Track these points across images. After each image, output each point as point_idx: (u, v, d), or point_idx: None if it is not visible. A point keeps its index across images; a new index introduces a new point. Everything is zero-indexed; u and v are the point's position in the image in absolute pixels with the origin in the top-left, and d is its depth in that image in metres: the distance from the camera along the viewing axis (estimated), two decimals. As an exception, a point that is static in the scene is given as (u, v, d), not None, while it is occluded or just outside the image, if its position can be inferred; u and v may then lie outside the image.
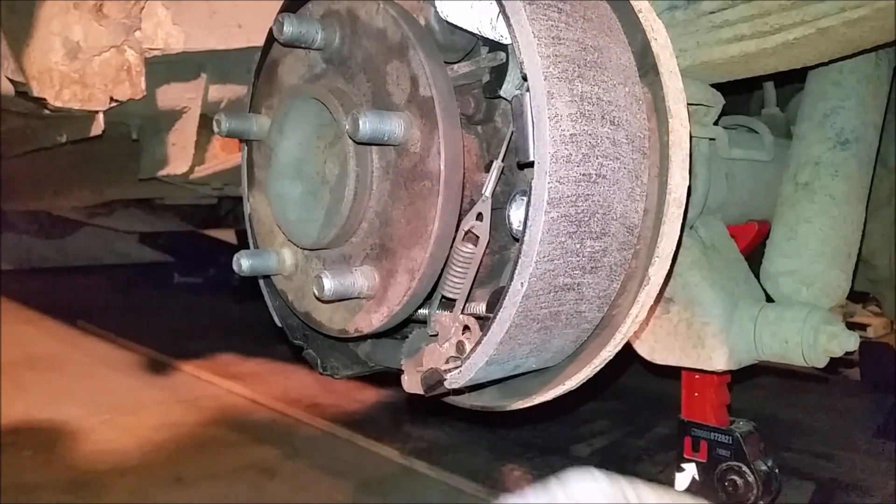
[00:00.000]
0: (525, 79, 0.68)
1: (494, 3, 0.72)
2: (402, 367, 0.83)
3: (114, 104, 1.53)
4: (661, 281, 0.78)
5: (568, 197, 0.67)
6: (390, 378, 0.87)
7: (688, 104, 0.79)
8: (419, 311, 0.82)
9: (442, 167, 0.73)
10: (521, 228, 0.70)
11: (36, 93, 1.43)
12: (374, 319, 0.81)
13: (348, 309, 0.84)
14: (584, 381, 0.84)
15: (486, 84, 0.79)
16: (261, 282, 1.01)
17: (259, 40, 0.96)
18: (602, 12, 0.77)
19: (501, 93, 0.78)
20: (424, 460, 2.34)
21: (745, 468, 1.43)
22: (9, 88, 1.43)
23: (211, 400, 2.81)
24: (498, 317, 0.69)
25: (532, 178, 0.66)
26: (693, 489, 1.49)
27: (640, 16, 0.79)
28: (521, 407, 0.86)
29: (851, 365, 3.02)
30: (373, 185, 0.80)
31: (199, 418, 2.53)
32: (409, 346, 0.85)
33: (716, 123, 1.42)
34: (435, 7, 0.80)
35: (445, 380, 0.75)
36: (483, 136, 0.84)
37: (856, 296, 2.23)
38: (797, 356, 1.25)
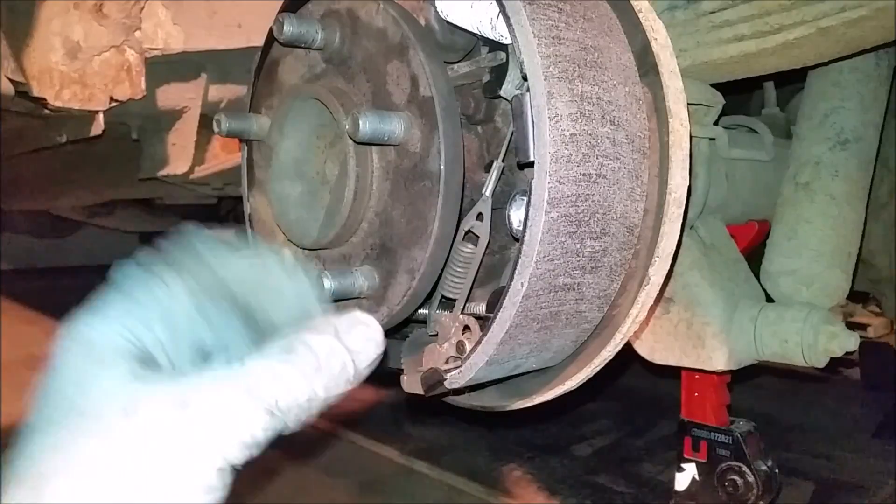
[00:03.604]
0: (525, 79, 0.68)
1: (494, 3, 0.72)
2: (402, 367, 0.83)
3: (114, 104, 1.53)
4: (661, 281, 0.78)
5: (568, 197, 0.67)
6: (390, 378, 0.87)
7: (688, 104, 0.79)
8: (419, 311, 0.82)
9: (442, 167, 0.73)
10: (521, 228, 0.69)
11: (36, 93, 1.43)
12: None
13: (348, 309, 0.84)
14: (585, 381, 0.84)
15: (486, 84, 0.79)
16: (261, 282, 1.01)
17: (259, 40, 0.96)
18: (602, 12, 0.77)
19: (501, 93, 0.78)
20: (424, 460, 2.35)
21: (745, 468, 1.42)
22: (9, 88, 1.43)
23: (211, 400, 2.81)
24: (498, 317, 0.69)
25: (532, 178, 0.66)
26: (693, 489, 1.49)
27: (640, 16, 0.79)
28: (522, 407, 0.86)
29: (851, 365, 3.03)
30: (373, 185, 0.80)
31: (199, 418, 2.53)
32: (409, 346, 0.85)
33: (716, 123, 1.42)
34: (435, 7, 0.80)
35: (445, 380, 0.75)
36: (483, 136, 0.84)
37: (856, 296, 2.24)
38: (797, 356, 1.25)
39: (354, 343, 0.54)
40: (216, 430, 0.47)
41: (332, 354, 0.52)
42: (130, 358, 0.51)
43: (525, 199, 0.68)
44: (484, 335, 0.71)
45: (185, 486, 0.47)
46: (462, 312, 0.78)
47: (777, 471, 1.47)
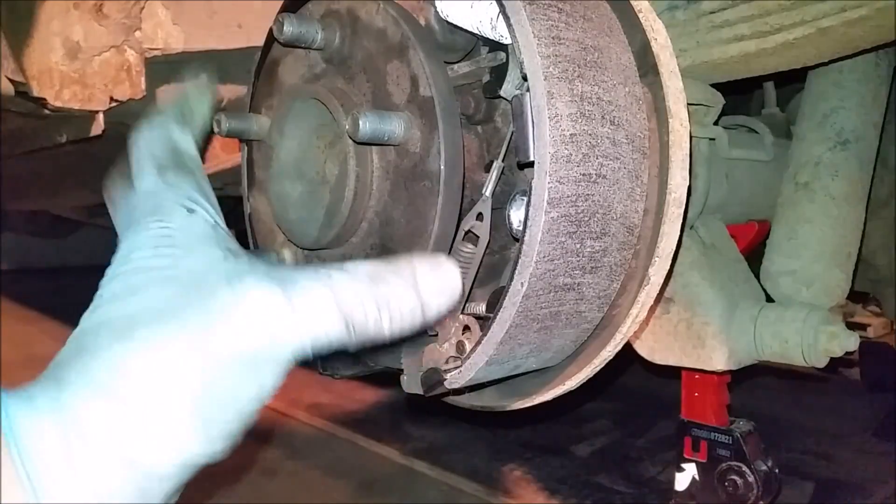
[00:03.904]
0: (525, 79, 0.68)
1: (494, 3, 0.72)
2: (402, 367, 0.83)
3: (114, 104, 1.53)
4: (661, 281, 0.78)
5: (568, 197, 0.67)
6: (390, 378, 0.87)
7: (688, 104, 0.79)
8: (419, 311, 0.82)
9: (442, 167, 0.73)
10: (521, 228, 0.70)
11: (36, 93, 1.43)
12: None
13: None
14: (585, 381, 0.84)
15: (486, 84, 0.79)
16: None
17: (259, 40, 0.96)
18: (602, 12, 0.77)
19: (501, 93, 0.78)
20: (424, 460, 2.35)
21: (745, 468, 1.43)
22: (9, 88, 1.43)
23: (211, 400, 2.81)
24: (498, 317, 0.69)
25: (532, 178, 0.66)
26: (693, 489, 1.49)
27: (640, 16, 0.79)
28: (521, 407, 0.86)
29: (851, 365, 3.03)
30: (373, 185, 0.80)
31: (199, 418, 2.53)
32: (409, 346, 0.85)
33: (716, 123, 1.42)
34: (435, 7, 0.80)
35: (445, 380, 0.75)
36: (483, 136, 0.84)
37: (856, 296, 2.24)
38: (797, 356, 1.26)
39: (429, 291, 0.58)
40: (308, 326, 0.52)
41: (404, 298, 0.56)
42: (219, 238, 0.58)
43: (525, 199, 0.68)
44: (484, 335, 0.71)
45: (265, 369, 0.52)
46: (462, 312, 0.78)
47: (777, 471, 1.47)
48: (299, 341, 0.52)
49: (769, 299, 1.39)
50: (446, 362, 0.78)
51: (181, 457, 0.49)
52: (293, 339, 0.52)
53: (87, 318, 0.52)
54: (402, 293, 0.56)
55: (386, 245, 0.79)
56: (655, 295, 0.79)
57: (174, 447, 0.49)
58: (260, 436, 2.45)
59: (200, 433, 0.49)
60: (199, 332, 0.50)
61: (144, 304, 0.51)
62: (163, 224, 0.58)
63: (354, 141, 0.76)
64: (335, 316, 0.53)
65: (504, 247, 0.84)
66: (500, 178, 0.78)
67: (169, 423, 0.48)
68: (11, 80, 1.41)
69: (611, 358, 0.82)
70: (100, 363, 0.49)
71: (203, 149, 0.75)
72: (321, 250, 0.87)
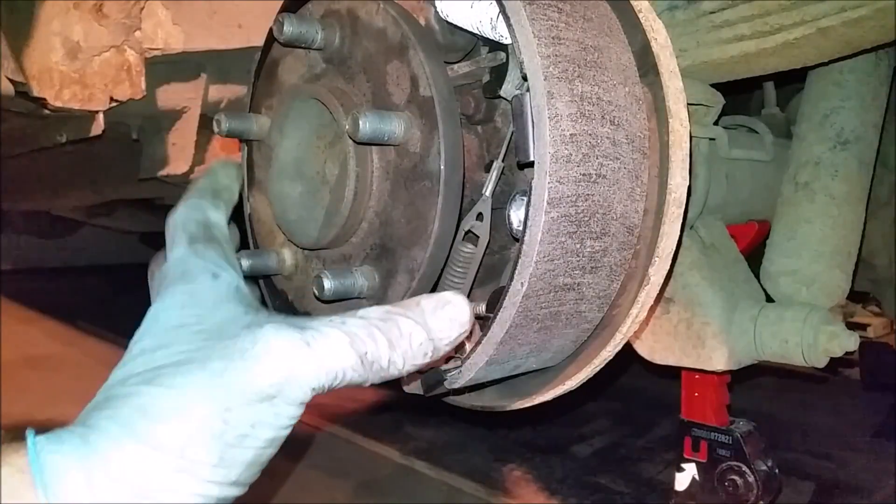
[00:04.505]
0: (525, 79, 0.68)
1: (494, 3, 0.72)
2: (402, 367, 0.83)
3: (114, 104, 1.53)
4: (661, 281, 0.78)
5: (568, 197, 0.67)
6: (390, 378, 0.87)
7: (688, 104, 0.79)
8: (419, 311, 0.82)
9: (442, 167, 0.73)
10: (521, 228, 0.70)
11: (36, 93, 1.43)
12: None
13: (348, 309, 0.84)
14: (585, 381, 0.84)
15: (486, 84, 0.79)
16: (260, 282, 1.01)
17: (259, 40, 0.96)
18: (602, 12, 0.77)
19: (501, 93, 0.78)
20: (424, 460, 2.35)
21: (745, 468, 1.43)
22: (9, 88, 1.43)
23: (211, 400, 2.81)
24: (498, 317, 0.69)
25: (532, 178, 0.66)
26: (693, 489, 1.49)
27: (640, 16, 0.79)
28: (522, 407, 0.86)
29: (851, 365, 3.03)
30: (373, 185, 0.80)
31: (199, 418, 2.52)
32: (409, 346, 0.84)
33: (716, 123, 1.42)
34: (435, 7, 0.80)
35: (445, 380, 0.75)
36: (483, 136, 0.84)
37: (856, 296, 2.24)
38: (797, 356, 1.25)
39: (438, 324, 0.62)
40: (324, 364, 0.55)
41: (414, 334, 0.60)
42: (241, 298, 0.64)
43: (525, 199, 0.68)
44: (484, 335, 0.71)
45: (283, 407, 0.55)
46: (462, 312, 0.78)
47: (777, 471, 1.47)
48: (316, 379, 0.55)
49: (769, 299, 1.39)
50: (446, 362, 0.78)
51: (199, 493, 0.51)
52: (310, 377, 0.54)
53: (116, 373, 0.55)
54: (411, 330, 0.60)
55: (386, 245, 0.79)
56: (655, 295, 0.79)
57: (193, 483, 0.50)
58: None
59: (219, 469, 0.51)
60: (219, 372, 0.52)
61: (171, 356, 0.54)
62: (190, 287, 0.62)
63: (354, 141, 0.76)
64: (350, 354, 0.56)
65: (504, 247, 0.84)
66: (500, 178, 0.78)
67: (189, 459, 0.50)
68: (11, 80, 1.41)
69: (611, 358, 0.82)
70: (125, 405, 0.51)
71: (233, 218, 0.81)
72: (321, 250, 0.87)
